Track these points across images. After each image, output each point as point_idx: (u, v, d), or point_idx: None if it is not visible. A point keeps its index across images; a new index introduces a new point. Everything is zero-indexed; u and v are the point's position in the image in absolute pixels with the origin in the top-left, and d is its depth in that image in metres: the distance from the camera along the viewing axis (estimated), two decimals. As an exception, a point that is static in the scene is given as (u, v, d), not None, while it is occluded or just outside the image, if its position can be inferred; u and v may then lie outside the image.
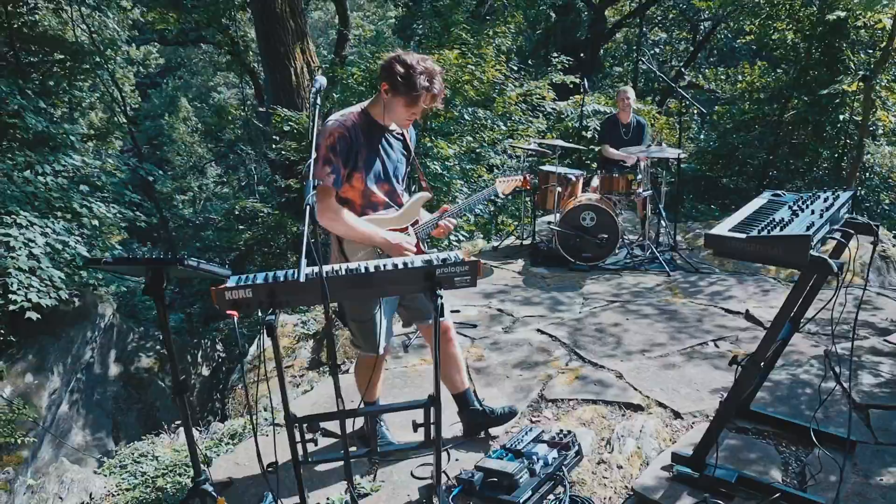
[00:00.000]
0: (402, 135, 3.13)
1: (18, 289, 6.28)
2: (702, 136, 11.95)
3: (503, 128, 8.92)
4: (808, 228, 2.53)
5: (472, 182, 8.66)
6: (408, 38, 21.78)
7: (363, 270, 2.52)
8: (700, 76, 13.47)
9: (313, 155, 2.48)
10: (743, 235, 2.58)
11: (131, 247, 18.36)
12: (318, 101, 2.68)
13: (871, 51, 9.27)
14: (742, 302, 5.55)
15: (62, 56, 10.36)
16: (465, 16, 9.60)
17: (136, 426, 8.12)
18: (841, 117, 9.33)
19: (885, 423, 3.43)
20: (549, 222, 7.15)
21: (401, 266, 2.51)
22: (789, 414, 3.48)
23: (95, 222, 7.53)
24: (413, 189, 3.32)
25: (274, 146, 8.99)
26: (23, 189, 6.94)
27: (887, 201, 9.34)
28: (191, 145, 26.13)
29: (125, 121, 17.95)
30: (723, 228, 2.70)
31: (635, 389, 4.01)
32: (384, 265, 2.53)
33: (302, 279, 2.20)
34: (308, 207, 2.34)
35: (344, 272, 2.51)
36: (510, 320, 5.31)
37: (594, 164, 8.38)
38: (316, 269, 2.35)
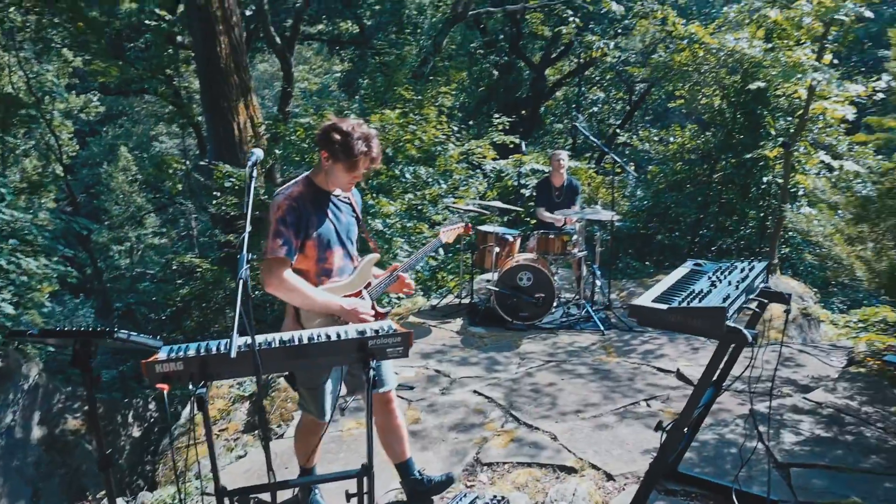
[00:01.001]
0: (349, 198, 3.20)
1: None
2: (638, 194, 12.37)
3: (444, 186, 9.08)
4: (724, 300, 2.67)
5: (413, 239, 8.74)
6: (352, 92, 22.10)
7: (296, 342, 2.53)
8: (635, 136, 14.01)
9: (247, 229, 2.50)
10: (665, 306, 2.70)
11: (62, 299, 17.76)
12: (255, 173, 2.72)
13: (790, 118, 9.84)
14: (673, 360, 5.71)
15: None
16: (407, 76, 9.82)
17: (58, 494, 7.74)
18: (765, 179, 9.84)
19: (805, 482, 3.56)
20: (488, 281, 7.25)
21: (333, 338, 2.54)
22: (715, 474, 3.59)
23: (25, 278, 7.31)
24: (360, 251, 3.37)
25: (215, 200, 8.92)
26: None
27: (810, 258, 9.80)
28: (129, 195, 25.62)
29: (61, 169, 17.57)
30: (646, 299, 2.82)
31: (569, 451, 4.06)
32: (317, 336, 2.55)
33: (233, 354, 2.20)
34: (241, 281, 2.35)
35: (277, 344, 2.52)
36: (447, 381, 5.33)
37: (533, 222, 8.57)
38: (248, 339, 2.35)
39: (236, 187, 8.77)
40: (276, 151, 9.41)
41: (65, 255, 8.48)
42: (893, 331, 6.15)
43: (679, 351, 5.99)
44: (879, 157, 9.93)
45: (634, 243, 11.26)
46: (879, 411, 4.51)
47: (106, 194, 25.71)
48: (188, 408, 6.27)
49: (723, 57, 9.78)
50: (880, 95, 8.04)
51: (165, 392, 2.47)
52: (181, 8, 14.72)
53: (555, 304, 6.64)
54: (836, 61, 8.34)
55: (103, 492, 4.30)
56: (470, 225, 4.00)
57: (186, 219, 22.21)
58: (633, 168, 8.61)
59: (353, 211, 3.23)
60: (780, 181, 8.81)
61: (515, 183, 10.12)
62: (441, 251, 9.24)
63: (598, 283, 7.17)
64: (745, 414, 4.45)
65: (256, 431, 5.23)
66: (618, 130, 15.47)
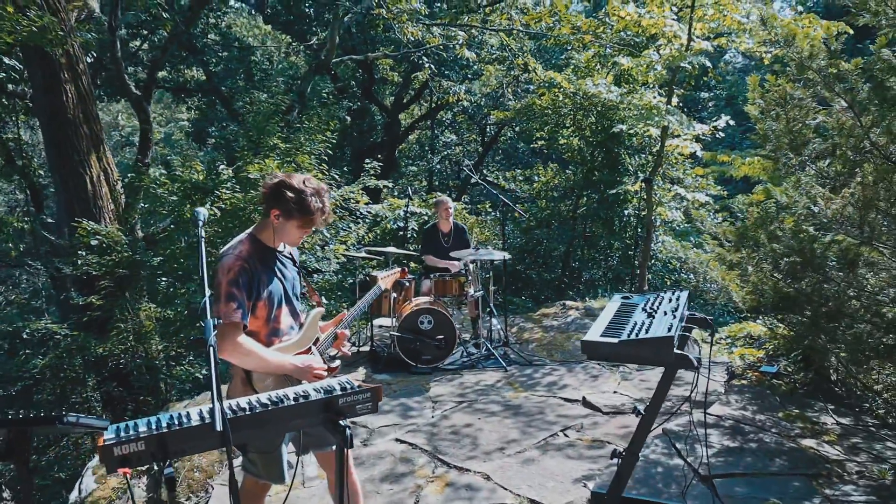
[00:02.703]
0: (290, 253, 3.13)
1: None
2: (507, 233, 12.87)
3: (326, 234, 8.98)
4: (669, 329, 2.86)
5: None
6: (202, 141, 21.39)
7: (259, 407, 2.41)
8: (500, 176, 14.63)
9: (208, 292, 2.39)
10: (615, 340, 2.86)
11: None
12: (203, 233, 2.61)
13: (642, 154, 10.72)
14: (576, 389, 5.95)
15: None
16: (278, 122, 9.67)
17: None
18: (625, 212, 10.60)
19: (729, 490, 3.84)
20: (384, 327, 7.23)
21: (302, 399, 2.45)
22: (651, 494, 3.78)
23: None
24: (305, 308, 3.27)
25: (78, 260, 8.27)
26: None
27: (669, 282, 10.62)
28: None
29: None
30: (594, 335, 2.97)
31: (505, 489, 4.12)
32: (284, 398, 2.45)
33: (219, 427, 2.08)
34: (211, 348, 2.24)
35: (247, 411, 2.39)
36: (366, 432, 5.24)
37: (417, 267, 8.67)
38: (208, 409, 2.22)
39: (104, 245, 8.18)
40: (143, 204, 8.89)
41: None
42: (759, 344, 6.78)
43: (580, 380, 6.25)
44: (719, 186, 11.06)
45: (511, 280, 11.67)
46: (770, 417, 4.96)
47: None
48: (74, 491, 5.68)
49: (579, 100, 10.50)
50: (720, 134, 8.98)
51: (128, 476, 2.28)
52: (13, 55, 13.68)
53: (456, 345, 6.73)
54: (680, 104, 9.22)
55: None
56: (406, 270, 4.02)
57: (32, 282, 20.28)
58: (505, 206, 8.94)
59: (295, 265, 3.17)
60: (642, 213, 9.51)
61: (395, 226, 10.21)
62: (324, 299, 9.07)
63: (495, 321, 7.35)
64: (659, 434, 4.72)
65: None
66: (471, 169, 16.00)
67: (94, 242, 7.87)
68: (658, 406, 2.98)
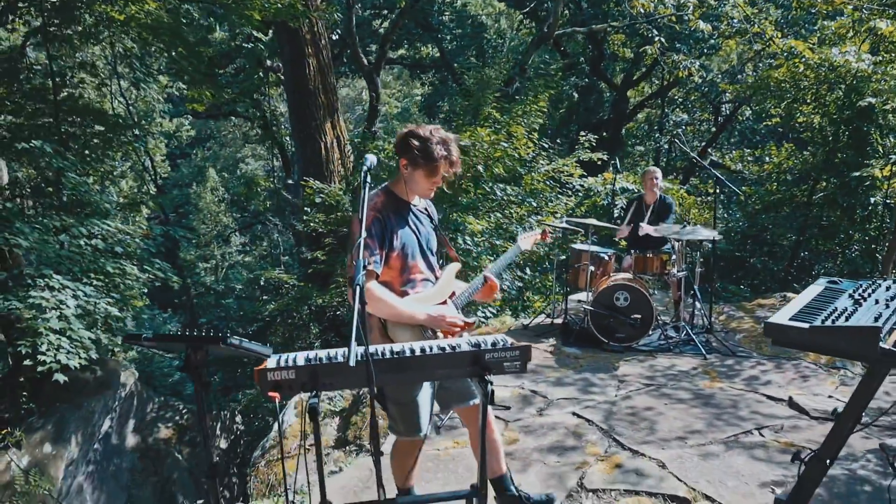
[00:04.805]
0: (426, 208, 3.14)
1: (48, 350, 6.24)
2: (729, 216, 11.91)
3: (532, 204, 8.93)
4: (876, 319, 2.43)
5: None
6: (433, 115, 22.32)
7: (408, 353, 2.43)
8: (726, 157, 13.51)
9: (363, 234, 2.44)
10: (806, 325, 2.47)
11: (152, 313, 18.46)
12: (368, 179, 2.67)
13: (901, 135, 9.28)
14: (781, 387, 5.35)
15: (101, 128, 10.65)
16: (495, 94, 9.77)
17: (150, 501, 7.91)
18: (873, 200, 9.26)
19: (953, 527, 3.22)
20: (581, 301, 7.04)
21: (448, 350, 2.43)
22: (849, 514, 3.29)
23: (129, 282, 7.55)
24: (441, 262, 3.28)
25: (305, 217, 9.05)
26: (57, 253, 6.99)
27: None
28: (216, 214, 26.54)
29: (154, 190, 18.35)
30: (783, 317, 2.59)
31: (679, 480, 3.82)
32: (430, 348, 2.45)
33: (352, 363, 2.11)
34: (358, 288, 2.28)
35: (389, 355, 2.43)
36: (543, 402, 5.16)
37: (623, 243, 8.31)
38: (361, 350, 2.27)
39: (326, 204, 8.86)
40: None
41: (159, 268, 8.71)
42: None
43: (787, 378, 5.62)
44: None
45: (728, 266, 10.79)
46: None
47: (194, 213, 26.72)
48: (279, 420, 6.29)
49: (824, 72, 9.32)
50: None
51: (277, 401, 2.41)
52: (270, 33, 15.23)
53: (652, 325, 6.37)
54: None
55: (200, 502, 4.29)
56: (547, 232, 3.87)
57: (270, 237, 22.78)
58: (728, 189, 8.23)
59: (432, 221, 3.16)
60: (891, 202, 8.26)
61: (606, 202, 9.88)
62: (528, 271, 9.09)
63: (698, 304, 6.85)
64: (873, 449, 4.09)
65: (347, 447, 5.17)
66: (709, 150, 14.91)
67: (318, 200, 8.54)
68: (857, 409, 2.54)
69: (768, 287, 10.00)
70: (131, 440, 8.40)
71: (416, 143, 2.85)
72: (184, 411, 9.63)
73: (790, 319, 2.58)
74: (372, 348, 2.49)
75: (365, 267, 2.74)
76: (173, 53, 10.85)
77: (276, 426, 6.18)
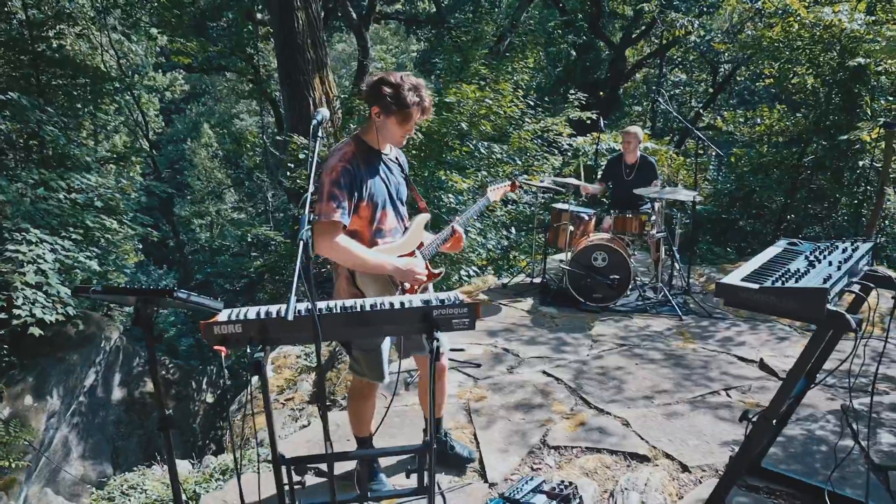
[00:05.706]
0: (396, 157, 3.11)
1: (24, 304, 6.25)
2: (719, 178, 11.82)
3: (518, 163, 8.86)
4: (825, 281, 2.42)
5: (486, 217, 8.59)
6: (428, 71, 22.03)
7: (358, 308, 2.43)
8: (719, 118, 13.36)
9: (310, 189, 2.43)
10: (755, 286, 2.47)
11: (147, 269, 18.50)
12: (320, 133, 2.62)
13: (891, 98, 9.14)
14: (754, 349, 5.38)
15: (84, 80, 10.49)
16: (483, 52, 9.61)
17: (136, 453, 8.01)
18: (861, 163, 9.18)
19: (905, 487, 3.26)
20: (561, 261, 7.04)
21: (397, 306, 2.44)
22: (803, 472, 3.32)
23: (109, 236, 7.53)
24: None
25: (289, 174, 8.98)
26: (35, 206, 6.96)
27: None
28: (211, 171, 26.40)
29: (147, 145, 18.20)
30: (735, 278, 2.59)
31: (641, 438, 3.86)
32: (380, 304, 2.45)
33: (290, 317, 2.11)
34: (301, 243, 2.27)
35: (339, 310, 2.43)
36: (515, 360, 5.18)
37: (607, 203, 8.27)
38: (309, 305, 2.27)
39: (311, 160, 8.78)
40: (351, 125, 9.38)
41: (145, 223, 8.69)
42: None
43: (761, 340, 5.65)
44: None
45: (714, 228, 10.76)
46: None
47: (188, 170, 26.57)
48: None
49: (818, 32, 9.15)
50: None
51: (223, 355, 2.41)
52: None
53: (630, 286, 6.37)
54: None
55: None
56: (516, 182, 3.86)
57: (263, 194, 22.69)
58: (715, 151, 8.18)
59: (402, 171, 3.14)
60: (879, 165, 8.20)
61: (591, 163, 9.79)
62: (513, 230, 9.06)
63: (678, 266, 6.84)
64: (835, 410, 4.13)
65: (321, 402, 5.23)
66: (701, 110, 14.77)
67: (302, 157, 8.45)
68: (801, 370, 2.55)
69: (754, 250, 9.96)
70: (118, 394, 8.48)
71: (388, 89, 2.80)
72: (170, 366, 9.71)
73: (742, 280, 2.58)
74: (322, 304, 2.49)
75: (322, 220, 2.75)
76: (155, 3, 10.62)
77: (254, 380, 6.23)
